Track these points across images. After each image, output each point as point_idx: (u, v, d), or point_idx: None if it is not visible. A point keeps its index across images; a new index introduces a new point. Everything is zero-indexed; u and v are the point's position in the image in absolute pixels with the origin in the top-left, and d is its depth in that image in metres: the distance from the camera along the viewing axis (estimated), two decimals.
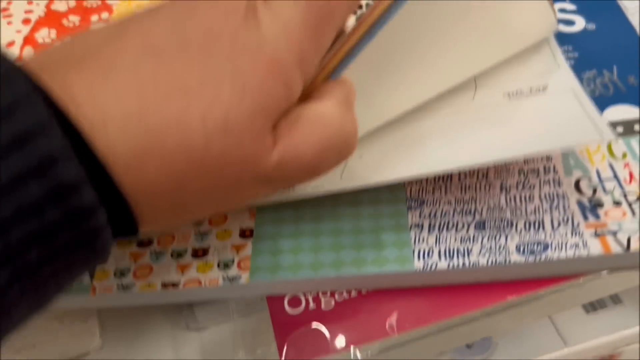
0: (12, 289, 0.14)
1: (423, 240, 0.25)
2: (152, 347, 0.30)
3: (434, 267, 0.24)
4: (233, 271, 0.24)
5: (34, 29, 0.34)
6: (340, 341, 0.24)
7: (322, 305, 0.25)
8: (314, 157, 0.19)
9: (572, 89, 0.26)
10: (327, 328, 0.24)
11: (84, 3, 0.36)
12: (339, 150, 0.19)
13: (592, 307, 0.47)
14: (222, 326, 0.31)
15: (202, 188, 0.18)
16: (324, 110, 0.19)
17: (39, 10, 0.36)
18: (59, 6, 0.36)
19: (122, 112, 0.16)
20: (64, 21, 0.35)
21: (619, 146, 0.27)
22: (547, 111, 0.25)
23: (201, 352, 0.30)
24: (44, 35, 0.34)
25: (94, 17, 0.35)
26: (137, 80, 0.16)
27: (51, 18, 0.35)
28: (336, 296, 0.25)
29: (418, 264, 0.24)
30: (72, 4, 0.36)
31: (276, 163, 0.18)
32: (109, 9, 0.36)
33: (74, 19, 0.35)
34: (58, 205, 0.14)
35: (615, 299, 0.47)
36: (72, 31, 0.34)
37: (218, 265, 0.25)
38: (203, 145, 0.17)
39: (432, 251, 0.24)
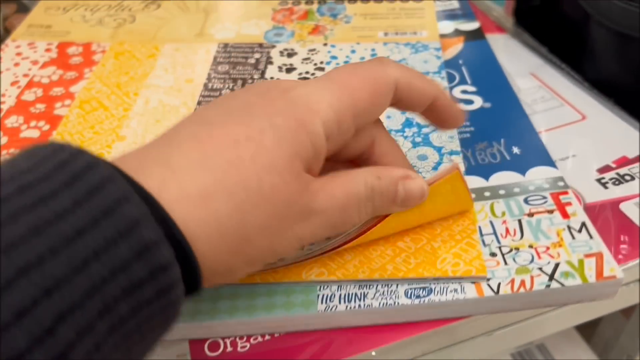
0: (107, 342, 0.17)
1: (327, 286, 0.28)
2: None
3: (334, 309, 0.27)
4: None
5: (4, 117, 0.39)
6: None
7: (238, 348, 0.28)
8: (342, 197, 0.24)
9: None
10: None
11: (50, 92, 0.41)
12: (361, 204, 0.25)
13: None
14: None
15: (260, 220, 0.21)
16: (357, 172, 0.25)
17: (10, 101, 0.41)
18: (28, 96, 0.41)
19: (187, 161, 0.21)
20: (31, 109, 0.40)
21: (500, 206, 0.31)
22: None
23: None
24: (13, 121, 0.39)
25: (58, 104, 0.40)
26: (197, 140, 0.21)
27: (20, 107, 0.40)
28: (251, 340, 0.28)
29: (321, 307, 0.27)
30: (40, 93, 0.41)
31: (314, 196, 0.23)
32: (71, 96, 0.41)
33: (40, 106, 0.40)
34: (143, 261, 0.17)
35: None
36: (37, 117, 0.39)
37: None
38: (256, 183, 0.21)
39: (334, 296, 0.28)
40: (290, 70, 0.42)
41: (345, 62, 0.42)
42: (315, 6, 0.49)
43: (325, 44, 0.44)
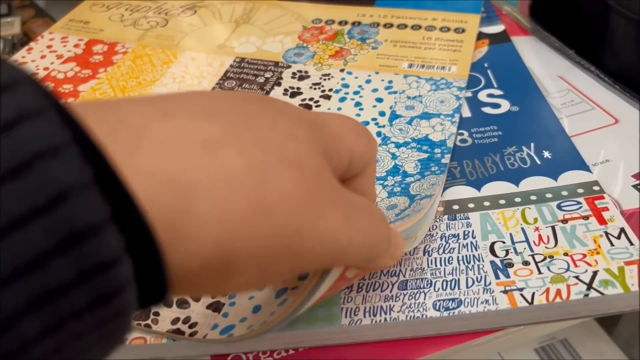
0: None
1: (351, 299, 0.26)
2: None
3: (359, 323, 0.26)
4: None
5: None
6: None
7: None
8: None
9: None
10: None
11: (59, 89, 0.41)
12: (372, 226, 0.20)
13: None
14: None
15: (283, 186, 0.16)
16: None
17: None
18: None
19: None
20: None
21: (532, 212, 0.30)
22: None
23: None
24: None
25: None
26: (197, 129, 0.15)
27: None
28: (274, 355, 0.26)
29: (345, 321, 0.26)
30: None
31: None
32: (77, 95, 0.41)
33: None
34: (69, 255, 0.12)
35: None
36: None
37: None
38: (277, 146, 0.16)
39: (358, 309, 0.26)
40: (294, 94, 0.39)
41: (356, 92, 0.39)
42: (347, 27, 0.46)
43: (342, 70, 0.41)
